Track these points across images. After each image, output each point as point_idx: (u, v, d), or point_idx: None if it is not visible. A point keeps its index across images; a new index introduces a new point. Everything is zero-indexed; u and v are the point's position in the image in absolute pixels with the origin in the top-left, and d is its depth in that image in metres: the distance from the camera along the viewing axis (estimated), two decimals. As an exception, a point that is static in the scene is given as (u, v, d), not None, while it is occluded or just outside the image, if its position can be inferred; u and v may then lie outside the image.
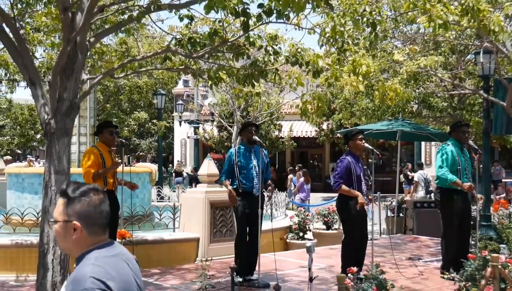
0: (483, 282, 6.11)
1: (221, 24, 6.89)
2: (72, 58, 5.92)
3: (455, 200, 8.52)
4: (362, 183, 8.13)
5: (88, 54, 7.38)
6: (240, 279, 7.90)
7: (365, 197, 8.09)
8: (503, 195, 23.87)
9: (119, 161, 7.80)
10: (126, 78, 24.74)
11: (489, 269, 6.11)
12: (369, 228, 8.42)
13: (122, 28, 7.85)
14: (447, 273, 8.35)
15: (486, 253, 6.91)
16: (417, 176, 18.63)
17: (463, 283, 6.93)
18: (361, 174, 8.14)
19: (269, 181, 8.43)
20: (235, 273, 6.79)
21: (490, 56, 12.27)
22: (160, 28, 10.27)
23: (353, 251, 8.09)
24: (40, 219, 6.32)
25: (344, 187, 8.02)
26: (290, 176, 22.66)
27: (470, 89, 14.72)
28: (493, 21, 6.82)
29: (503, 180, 26.44)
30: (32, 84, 6.04)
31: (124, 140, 8.21)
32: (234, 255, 8.33)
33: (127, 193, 8.39)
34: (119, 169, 8.07)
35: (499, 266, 6.11)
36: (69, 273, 6.31)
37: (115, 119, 32.46)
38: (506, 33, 7.28)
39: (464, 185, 8.35)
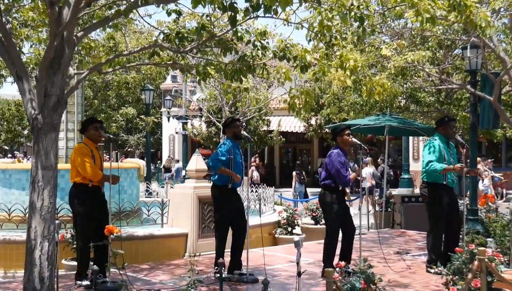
0: (470, 275, 6.15)
1: (208, 19, 6.87)
2: (59, 53, 5.89)
3: (442, 195, 8.59)
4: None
5: (76, 49, 7.34)
6: (225, 274, 7.89)
7: (349, 191, 8.21)
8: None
9: (117, 175, 7.81)
10: (114, 73, 24.66)
11: (476, 263, 6.15)
12: (357, 222, 8.46)
13: (110, 23, 7.82)
14: (434, 266, 8.40)
15: (473, 247, 6.95)
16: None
17: (450, 276, 6.97)
18: (348, 168, 8.26)
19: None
20: (223, 268, 6.79)
21: (477, 51, 12.31)
22: (147, 23, 10.23)
23: (335, 243, 8.18)
24: (27, 215, 6.29)
25: (352, 175, 8.26)
26: None
27: (457, 84, 14.77)
28: (479, 17, 6.85)
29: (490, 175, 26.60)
30: (19, 79, 6.01)
31: (112, 136, 8.18)
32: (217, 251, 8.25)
33: (115, 188, 8.36)
34: (107, 164, 8.04)
35: (486, 260, 6.15)
36: (57, 269, 6.29)
37: (103, 115, 32.37)
38: (493, 28, 7.31)
39: (456, 166, 8.50)
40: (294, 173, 22.06)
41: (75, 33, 6.17)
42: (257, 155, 31.22)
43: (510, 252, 8.47)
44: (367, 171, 19.95)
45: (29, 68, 9.18)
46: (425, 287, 7.72)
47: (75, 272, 7.89)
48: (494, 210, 12.81)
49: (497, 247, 9.57)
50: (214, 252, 8.35)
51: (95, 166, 7.64)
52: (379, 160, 23.68)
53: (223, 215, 8.22)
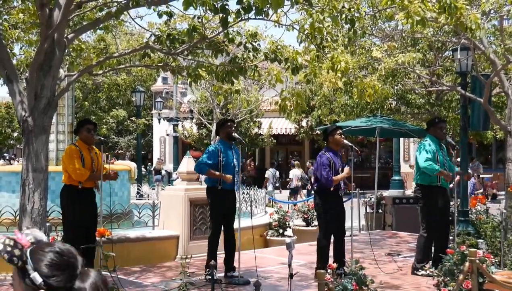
0: (461, 276, 6.16)
1: (200, 20, 6.87)
2: (49, 55, 5.87)
3: (437, 197, 8.60)
4: None
5: (66, 51, 7.32)
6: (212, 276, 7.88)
7: (342, 192, 8.20)
8: (481, 191, 24.14)
9: (113, 173, 7.86)
10: (104, 75, 24.57)
11: (467, 264, 6.16)
12: (348, 224, 8.47)
13: (101, 25, 7.80)
14: (425, 268, 8.40)
15: (464, 248, 6.97)
16: (267, 173, 23.24)
17: (442, 278, 6.99)
18: (340, 169, 8.20)
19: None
20: (215, 270, 6.79)
21: (467, 52, 12.36)
22: (138, 25, 10.24)
23: (327, 247, 8.19)
24: (17, 217, 6.27)
25: (335, 177, 8.09)
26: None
27: (447, 85, 14.82)
28: (469, 19, 6.88)
29: (480, 176, 26.72)
30: (9, 81, 5.98)
31: (102, 138, 8.15)
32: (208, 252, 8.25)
33: (106, 191, 8.33)
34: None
35: (477, 261, 6.17)
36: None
37: (93, 117, 32.25)
38: (483, 30, 7.34)
39: (449, 175, 8.56)
40: None
41: (65, 35, 6.15)
42: (251, 158, 31.21)
43: (500, 253, 8.51)
44: (294, 173, 22.87)
45: (20, 70, 9.14)
46: (416, 289, 7.73)
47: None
48: (485, 211, 12.85)
49: (488, 248, 9.60)
50: (206, 254, 8.29)
51: (85, 167, 7.66)
52: (307, 163, 26.63)
53: (214, 216, 8.24)
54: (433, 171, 8.54)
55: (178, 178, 12.36)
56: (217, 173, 8.07)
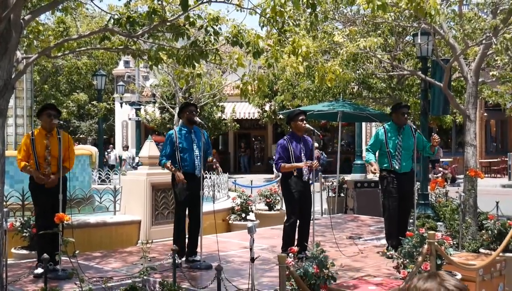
0: (420, 258, 6.25)
1: (160, 3, 6.78)
2: (5, 36, 5.72)
3: (391, 180, 8.72)
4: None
5: (24, 33, 7.16)
6: (179, 261, 7.87)
7: (305, 177, 8.21)
8: (440, 174, 24.52)
9: (44, 176, 7.66)
10: (64, 58, 24.18)
11: (426, 246, 6.26)
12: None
13: (59, 6, 7.64)
14: (385, 250, 8.52)
15: (424, 231, 7.07)
16: (125, 154, 28.66)
17: (401, 260, 7.08)
18: (302, 154, 8.21)
19: (213, 159, 8.41)
20: (176, 255, 6.76)
21: (427, 37, 12.48)
22: (98, 7, 10.05)
23: (293, 231, 8.23)
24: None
25: (283, 164, 8.18)
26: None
27: (408, 70, 14.94)
28: (429, 4, 6.93)
29: (440, 160, 27.13)
30: (-37, 64, 5.82)
31: (62, 122, 8.00)
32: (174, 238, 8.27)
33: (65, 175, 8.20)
34: (53, 150, 7.90)
35: (436, 243, 6.27)
36: (6, 258, 6.16)
37: (53, 101, 31.82)
38: (442, 15, 7.41)
39: (373, 163, 8.88)
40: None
41: (22, 16, 6.01)
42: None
43: (459, 235, 8.65)
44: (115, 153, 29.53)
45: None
46: (377, 271, 7.82)
47: (24, 261, 7.76)
48: (444, 195, 13.05)
49: (447, 230, 9.76)
50: (168, 239, 8.29)
51: (37, 155, 7.65)
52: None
53: (177, 200, 8.22)
54: (366, 161, 9.07)
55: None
56: (173, 168, 8.10)
